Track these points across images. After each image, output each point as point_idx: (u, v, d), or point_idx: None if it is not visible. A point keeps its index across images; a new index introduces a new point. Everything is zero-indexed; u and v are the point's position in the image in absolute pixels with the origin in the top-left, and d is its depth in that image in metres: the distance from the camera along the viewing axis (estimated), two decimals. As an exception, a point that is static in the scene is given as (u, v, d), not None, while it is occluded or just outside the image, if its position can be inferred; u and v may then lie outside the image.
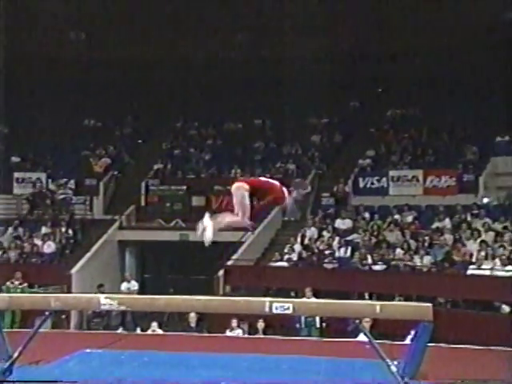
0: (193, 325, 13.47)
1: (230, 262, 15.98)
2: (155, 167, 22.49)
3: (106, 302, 7.32)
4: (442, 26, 22.63)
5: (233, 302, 7.30)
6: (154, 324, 13.26)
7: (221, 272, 15.42)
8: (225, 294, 15.34)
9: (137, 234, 19.76)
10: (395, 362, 6.88)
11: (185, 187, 20.23)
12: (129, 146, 24.20)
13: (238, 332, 12.85)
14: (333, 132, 23.12)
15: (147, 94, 24.93)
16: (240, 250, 16.76)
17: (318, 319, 13.03)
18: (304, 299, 9.39)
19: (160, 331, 13.08)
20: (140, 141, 24.70)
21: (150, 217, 20.19)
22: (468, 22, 21.64)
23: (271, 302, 7.09)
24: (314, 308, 7.09)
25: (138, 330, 13.83)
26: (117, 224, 19.64)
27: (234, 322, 13.00)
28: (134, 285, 16.11)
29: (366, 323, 11.69)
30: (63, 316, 14.48)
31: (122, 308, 7.56)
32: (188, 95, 24.98)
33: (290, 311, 7.17)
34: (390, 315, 6.85)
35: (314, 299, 13.00)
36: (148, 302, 7.59)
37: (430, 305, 6.75)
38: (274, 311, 7.19)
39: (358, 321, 7.10)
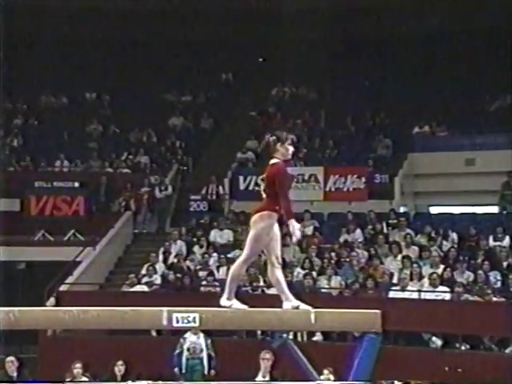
0: (14, 373, 13.53)
1: (63, 287, 16.21)
2: None
3: None
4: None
5: (118, 313, 7.73)
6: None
7: (51, 301, 15.59)
8: (55, 334, 15.54)
9: None
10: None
11: (-14, 185, 20.03)
12: None
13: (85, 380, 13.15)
14: (199, 114, 23.98)
15: None
16: (76, 272, 17.07)
17: (206, 362, 13.70)
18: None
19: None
20: None
21: None
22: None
23: (170, 313, 7.64)
24: (227, 319, 7.72)
25: None
26: None
27: (78, 368, 13.28)
28: None
29: (266, 361, 12.60)
30: None
31: None
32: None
33: (195, 324, 7.77)
34: (327, 326, 7.70)
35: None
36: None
37: (377, 311, 7.67)
38: (175, 324, 7.75)
39: (285, 335, 7.88)
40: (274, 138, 7.46)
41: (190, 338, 13.75)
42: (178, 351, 13.72)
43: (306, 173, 20.14)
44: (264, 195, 7.60)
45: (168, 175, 20.92)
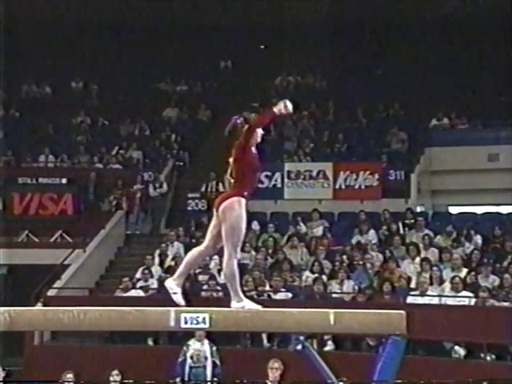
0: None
1: (50, 292, 16.30)
2: None
3: None
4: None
5: (122, 314, 7.83)
6: None
7: (38, 306, 15.67)
8: (42, 343, 15.63)
9: None
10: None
11: (-37, 181, 20.12)
12: None
13: (76, 391, 13.29)
14: (196, 105, 24.09)
15: None
16: (65, 276, 17.17)
17: (209, 371, 13.78)
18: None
19: None
20: None
21: None
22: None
23: (178, 313, 7.75)
24: (240, 320, 7.82)
25: None
26: None
27: (69, 378, 13.41)
28: None
29: (275, 370, 12.72)
30: None
31: None
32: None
33: (205, 325, 7.88)
34: (347, 327, 7.79)
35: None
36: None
37: (402, 312, 7.79)
38: (183, 325, 7.85)
39: (302, 337, 7.99)
40: (242, 119, 7.41)
41: (193, 345, 13.82)
42: (181, 359, 13.80)
43: (314, 169, 20.23)
44: (232, 181, 7.61)
45: (163, 171, 21.00)
